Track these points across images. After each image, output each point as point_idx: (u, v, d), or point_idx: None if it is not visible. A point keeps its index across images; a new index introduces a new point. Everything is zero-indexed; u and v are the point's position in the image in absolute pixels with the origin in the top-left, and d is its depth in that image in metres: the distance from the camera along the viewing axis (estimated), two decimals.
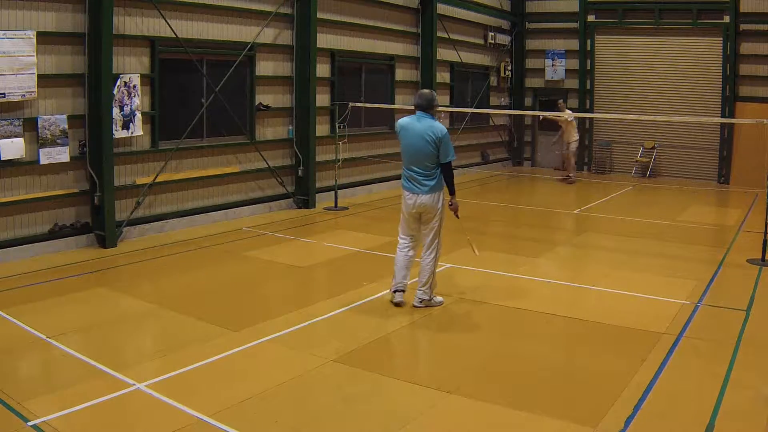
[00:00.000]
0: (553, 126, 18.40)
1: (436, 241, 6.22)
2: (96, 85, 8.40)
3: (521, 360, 5.27)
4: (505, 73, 18.37)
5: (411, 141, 6.05)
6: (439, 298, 6.43)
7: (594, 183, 15.28)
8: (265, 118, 11.29)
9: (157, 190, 9.56)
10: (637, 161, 17.05)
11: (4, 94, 7.61)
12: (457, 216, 6.39)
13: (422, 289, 6.26)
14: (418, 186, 6.08)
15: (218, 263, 8.17)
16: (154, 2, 9.11)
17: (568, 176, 15.69)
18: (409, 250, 6.31)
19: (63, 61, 8.30)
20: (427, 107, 6.09)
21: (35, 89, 7.88)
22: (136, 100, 9.00)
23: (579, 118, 17.17)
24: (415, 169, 6.08)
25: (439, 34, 15.17)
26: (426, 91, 6.26)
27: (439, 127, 6.01)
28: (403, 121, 6.21)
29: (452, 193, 6.21)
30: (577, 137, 15.62)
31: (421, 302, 6.29)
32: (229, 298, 6.76)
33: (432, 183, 6.06)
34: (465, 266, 7.91)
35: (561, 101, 15.57)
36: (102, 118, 8.40)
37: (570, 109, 17.76)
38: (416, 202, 6.10)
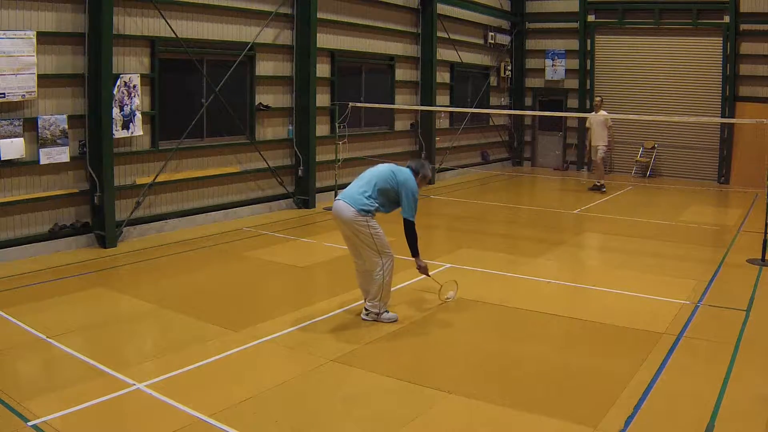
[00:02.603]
0: (554, 125, 18.44)
1: (376, 255, 5.77)
2: (96, 85, 8.40)
3: (521, 360, 5.27)
4: (505, 73, 18.37)
5: (378, 169, 5.93)
6: (390, 315, 5.99)
7: (590, 183, 15.21)
8: (265, 118, 11.29)
9: (157, 190, 9.56)
10: (637, 161, 17.05)
11: (4, 94, 7.61)
12: (428, 275, 6.22)
13: (372, 302, 5.92)
14: (345, 192, 5.84)
15: (218, 263, 8.17)
16: (154, 2, 9.11)
17: (596, 184, 14.32)
18: (362, 270, 6.00)
19: (63, 61, 8.30)
20: (415, 169, 5.96)
21: (35, 89, 7.88)
22: (136, 100, 9.00)
23: (579, 118, 17.20)
24: (356, 181, 5.89)
25: (439, 34, 15.17)
26: (425, 161, 6.26)
27: (412, 181, 5.85)
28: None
29: (415, 254, 5.94)
30: (607, 142, 14.04)
31: (368, 315, 5.96)
32: (229, 298, 6.76)
33: (356, 197, 5.71)
34: (465, 266, 7.91)
35: (600, 98, 14.40)
36: (102, 118, 8.40)
37: (572, 109, 17.81)
38: (338, 212, 5.79)
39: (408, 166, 6.05)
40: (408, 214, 5.83)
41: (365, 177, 5.92)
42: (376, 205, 5.80)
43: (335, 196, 11.53)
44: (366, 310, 6.00)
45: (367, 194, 5.77)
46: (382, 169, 5.94)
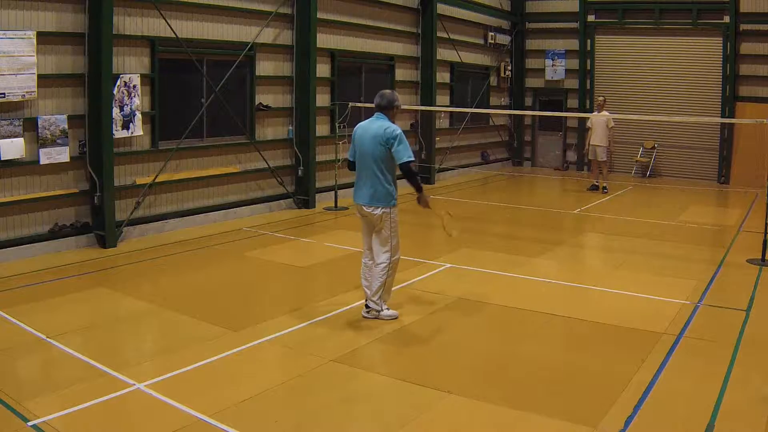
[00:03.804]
0: (554, 125, 18.44)
1: (387, 251, 5.84)
2: (96, 85, 8.40)
3: (521, 360, 5.27)
4: (505, 73, 18.37)
5: (363, 142, 5.81)
6: (391, 312, 6.01)
7: (589, 182, 15.21)
8: (265, 118, 11.29)
9: (157, 190, 9.56)
10: (637, 161, 17.05)
11: (4, 94, 7.61)
12: (428, 206, 5.99)
13: (372, 299, 5.93)
14: (362, 194, 5.84)
15: (218, 263, 8.17)
16: (154, 2, 9.11)
17: (595, 184, 14.35)
18: (370, 264, 6.03)
19: (63, 61, 8.30)
20: (386, 107, 5.86)
21: (35, 89, 7.88)
22: (136, 100, 9.00)
23: (579, 118, 17.20)
24: (363, 173, 5.83)
25: (439, 34, 15.17)
26: (387, 91, 5.99)
27: (393, 127, 5.75)
28: (360, 123, 5.97)
29: (419, 190, 5.83)
30: (607, 143, 13.89)
31: (368, 312, 5.97)
32: (229, 298, 6.76)
33: (375, 191, 5.76)
34: (465, 266, 7.91)
35: (602, 98, 14.24)
36: (102, 118, 8.40)
37: (572, 109, 17.81)
38: (361, 210, 5.89)
39: (379, 106, 5.86)
40: (407, 156, 5.68)
41: (367, 166, 5.78)
42: (394, 187, 5.83)
43: (335, 196, 11.68)
44: (367, 307, 6.00)
45: (385, 183, 5.76)
46: (371, 146, 5.75)
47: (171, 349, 5.31)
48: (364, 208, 5.84)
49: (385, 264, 5.85)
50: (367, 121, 5.96)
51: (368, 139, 5.79)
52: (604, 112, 13.89)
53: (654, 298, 6.76)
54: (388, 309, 6.01)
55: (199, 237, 9.35)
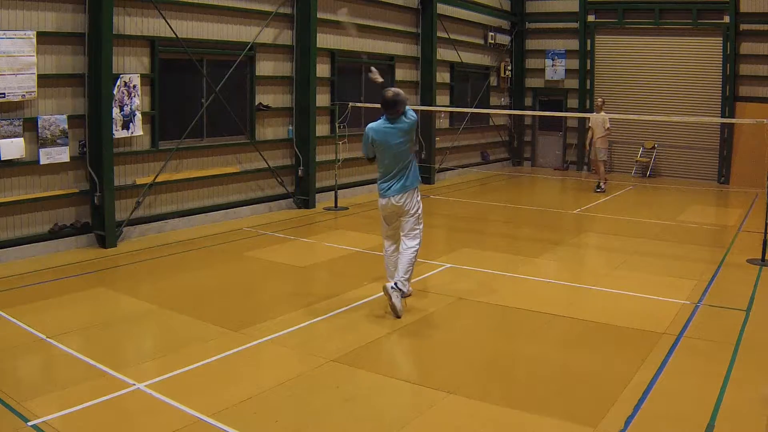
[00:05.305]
0: (554, 125, 18.44)
1: (419, 227, 6.24)
2: (96, 85, 8.40)
3: (521, 360, 5.27)
4: (505, 73, 18.37)
5: (390, 142, 6.07)
6: (409, 288, 6.44)
7: (594, 183, 15.22)
8: (265, 118, 11.29)
9: (157, 190, 9.56)
10: (637, 161, 17.05)
11: (4, 94, 7.61)
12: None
13: (404, 277, 6.11)
14: (395, 188, 6.13)
15: (218, 263, 8.17)
16: (154, 2, 9.11)
17: (598, 184, 14.34)
18: (393, 251, 6.42)
19: (63, 61, 8.30)
20: (403, 102, 6.27)
21: (35, 89, 7.88)
22: (136, 100, 9.00)
23: (579, 118, 17.20)
24: (393, 170, 6.13)
25: (439, 34, 15.17)
26: (389, 93, 6.22)
27: (410, 114, 6.19)
28: (373, 126, 6.17)
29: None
30: (606, 144, 14.14)
31: (397, 293, 5.99)
32: (229, 298, 6.76)
33: (407, 184, 6.15)
34: (465, 266, 7.91)
35: (601, 100, 14.31)
36: (102, 118, 8.40)
37: (572, 109, 17.81)
38: (390, 202, 6.18)
39: (397, 100, 6.18)
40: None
41: (394, 163, 6.11)
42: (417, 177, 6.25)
43: (335, 196, 11.68)
44: (397, 288, 6.01)
45: (410, 175, 6.14)
46: (396, 141, 6.07)
47: (171, 349, 5.32)
48: (395, 198, 6.13)
49: (415, 248, 6.15)
50: (378, 123, 6.18)
51: (396, 140, 6.09)
52: (602, 113, 13.98)
53: (654, 298, 6.76)
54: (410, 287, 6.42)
55: (199, 237, 9.35)
